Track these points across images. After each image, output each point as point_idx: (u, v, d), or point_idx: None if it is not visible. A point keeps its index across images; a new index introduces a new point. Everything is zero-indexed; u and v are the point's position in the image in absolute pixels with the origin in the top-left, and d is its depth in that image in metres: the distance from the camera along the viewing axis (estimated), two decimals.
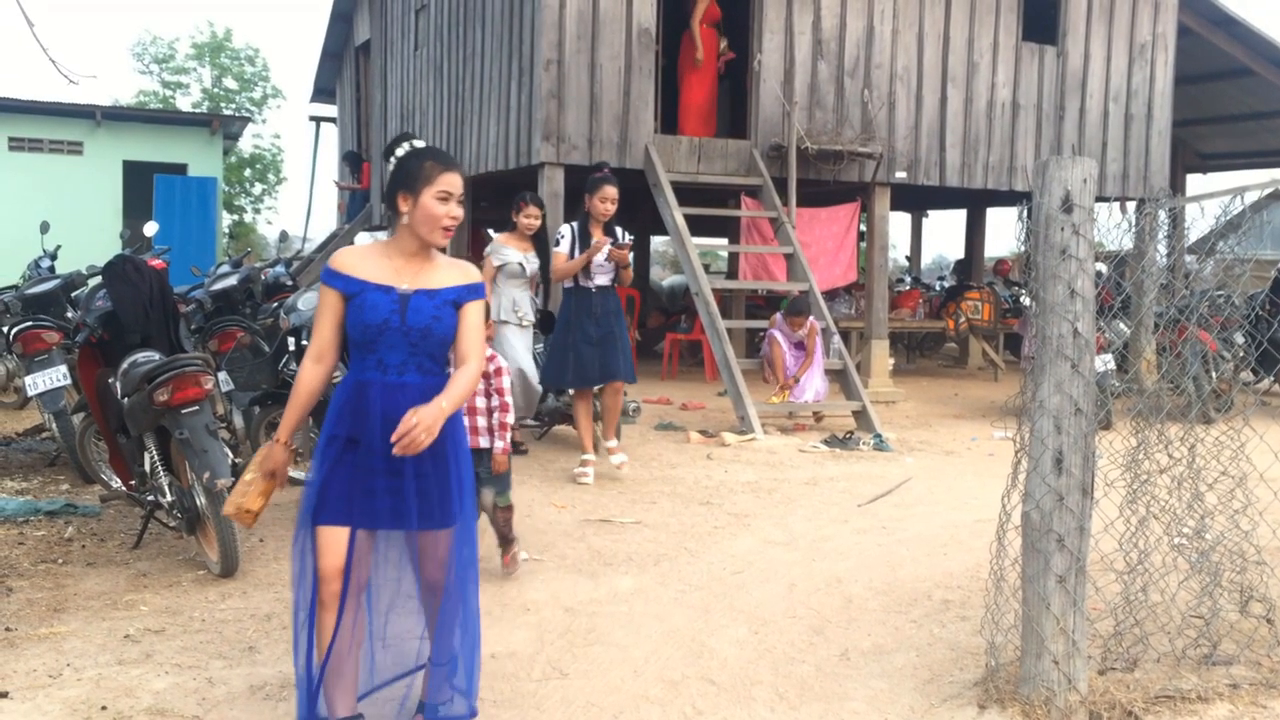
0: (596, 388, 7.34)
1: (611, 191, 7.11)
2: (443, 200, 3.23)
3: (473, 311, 3.35)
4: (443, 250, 3.37)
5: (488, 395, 5.02)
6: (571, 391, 7.45)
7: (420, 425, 3.07)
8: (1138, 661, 3.80)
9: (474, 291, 3.37)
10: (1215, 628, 3.96)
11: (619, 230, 7.25)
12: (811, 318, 9.80)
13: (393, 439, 3.07)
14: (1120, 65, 12.81)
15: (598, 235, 7.10)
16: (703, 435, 8.82)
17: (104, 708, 3.61)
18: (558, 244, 7.20)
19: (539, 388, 7.70)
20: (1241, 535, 4.08)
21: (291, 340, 6.44)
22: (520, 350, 7.63)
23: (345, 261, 3.30)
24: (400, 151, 3.31)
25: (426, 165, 3.23)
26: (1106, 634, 3.91)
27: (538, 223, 7.68)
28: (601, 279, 7.12)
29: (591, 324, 7.09)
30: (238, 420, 7.18)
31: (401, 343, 3.24)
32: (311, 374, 3.32)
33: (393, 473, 3.23)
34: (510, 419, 5.10)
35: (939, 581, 5.14)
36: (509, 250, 7.67)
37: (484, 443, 5.00)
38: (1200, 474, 4.04)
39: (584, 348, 7.06)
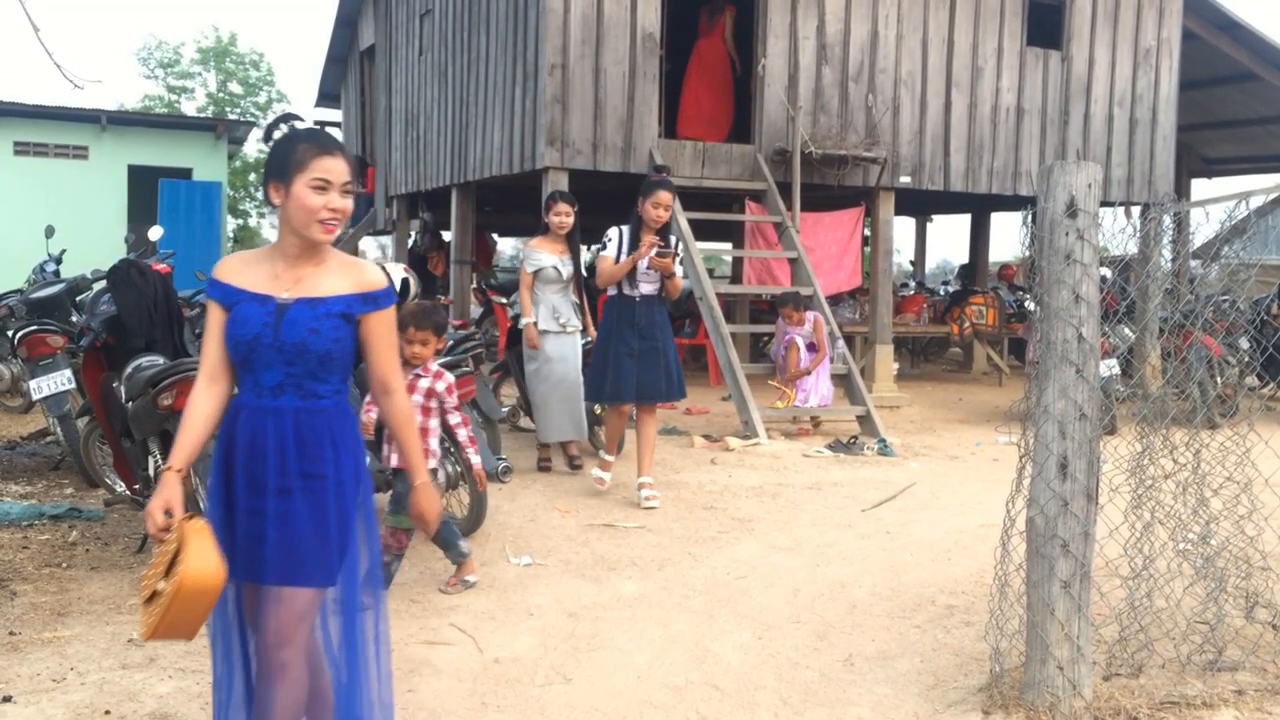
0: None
1: (665, 197, 6.65)
2: (318, 189, 2.77)
3: (379, 325, 2.89)
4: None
5: (426, 413, 4.91)
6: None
7: (432, 520, 3.03)
8: (1142, 667, 3.79)
9: (372, 300, 2.88)
10: (1220, 633, 3.95)
11: (673, 239, 6.77)
12: (813, 311, 9.79)
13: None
14: (1125, 70, 12.80)
15: (650, 242, 6.65)
16: (707, 440, 8.82)
17: (107, 712, 3.61)
18: (604, 247, 6.77)
19: (582, 405, 7.42)
20: (1247, 540, 4.07)
21: None
22: (571, 363, 7.34)
23: (226, 268, 2.90)
24: (278, 134, 2.90)
25: (299, 149, 2.79)
26: (1111, 639, 3.90)
27: (570, 220, 7.39)
28: (646, 287, 6.68)
29: (633, 335, 6.64)
30: None
31: (276, 360, 2.79)
32: (203, 397, 2.85)
33: (253, 512, 2.80)
34: (467, 432, 5.01)
35: (943, 587, 5.13)
36: (542, 254, 7.39)
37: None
38: (1205, 479, 4.03)
39: (624, 360, 6.62)
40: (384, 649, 2.97)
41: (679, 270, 6.69)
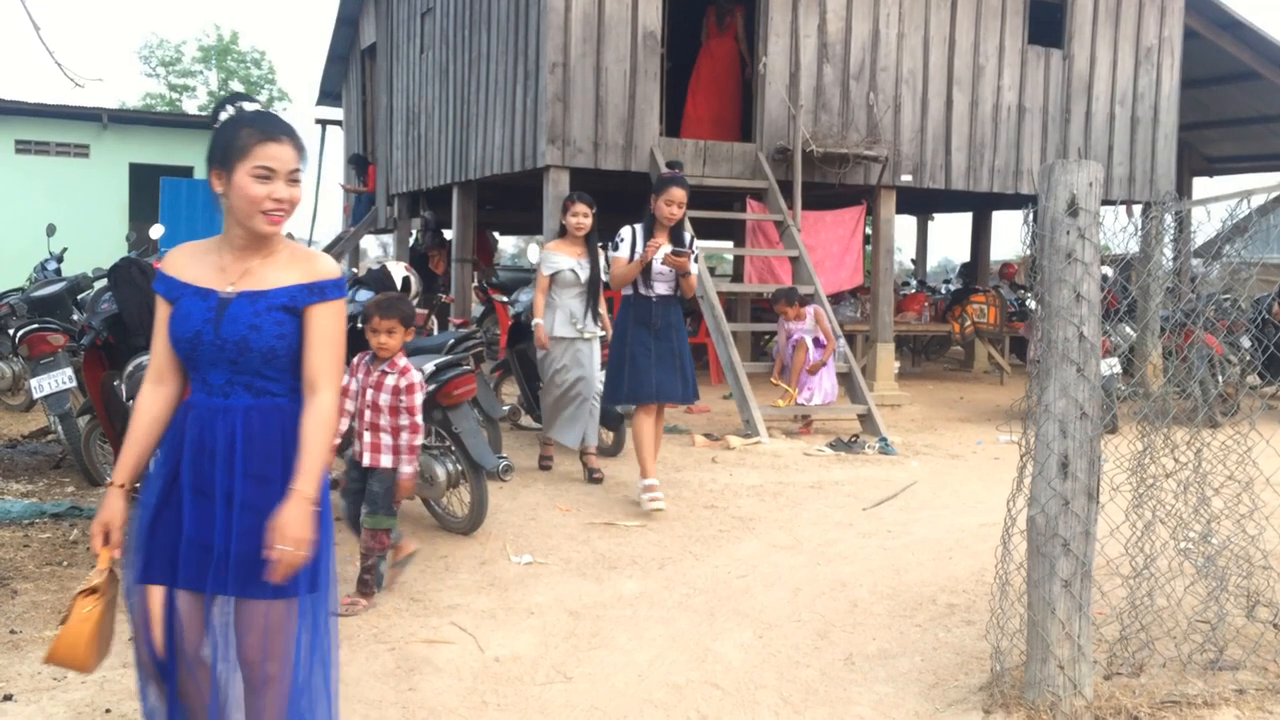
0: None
1: (679, 194, 6.43)
2: (261, 178, 2.58)
3: (321, 317, 2.66)
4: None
5: (395, 412, 4.80)
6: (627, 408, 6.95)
7: (295, 548, 2.51)
8: (1143, 666, 3.79)
9: (318, 291, 2.66)
10: (1221, 633, 3.95)
11: (687, 237, 6.61)
12: (812, 305, 9.79)
13: (274, 577, 2.50)
14: (1126, 69, 12.79)
15: (662, 238, 6.45)
16: (707, 439, 8.82)
17: (108, 710, 3.61)
18: (616, 247, 6.58)
19: (597, 415, 7.28)
20: (1248, 540, 4.07)
21: None
22: (588, 370, 7.14)
23: (171, 261, 2.73)
24: (225, 116, 2.67)
25: (242, 134, 2.59)
26: (1112, 639, 3.90)
27: (589, 222, 7.15)
28: (661, 287, 6.49)
29: (649, 336, 6.46)
30: None
31: (219, 359, 2.62)
32: (149, 399, 2.72)
33: (201, 519, 2.62)
34: (419, 441, 4.85)
35: (944, 586, 5.13)
36: (559, 257, 7.18)
37: (385, 461, 4.82)
38: (1206, 478, 4.03)
39: (641, 360, 6.44)
40: (330, 657, 2.79)
41: (694, 269, 6.52)
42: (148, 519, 2.67)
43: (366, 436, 4.86)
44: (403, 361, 4.89)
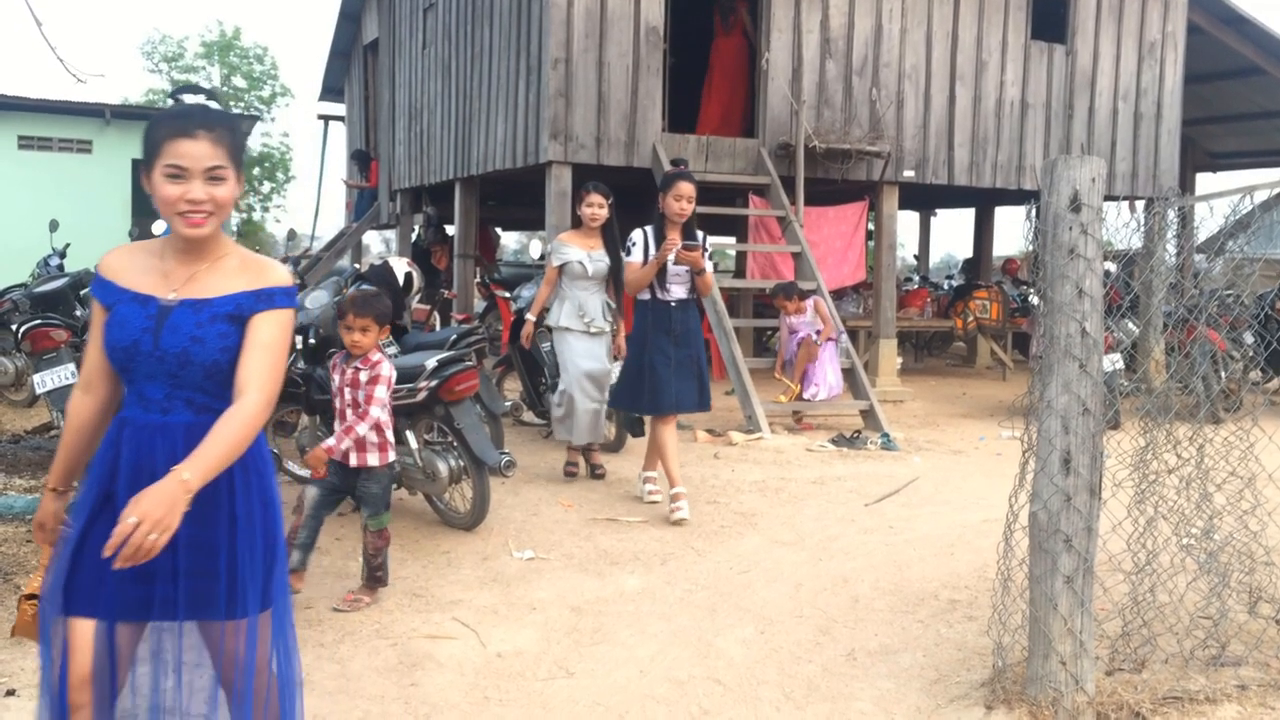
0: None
1: (687, 188, 6.20)
2: (173, 178, 2.38)
3: (264, 323, 2.46)
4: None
5: (365, 403, 4.67)
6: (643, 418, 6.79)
7: (145, 523, 2.16)
8: (1145, 662, 3.79)
9: (266, 298, 2.47)
10: (1223, 628, 3.94)
11: (700, 234, 6.37)
12: (815, 296, 9.78)
13: (106, 550, 2.18)
14: (1129, 64, 12.77)
15: (674, 238, 6.21)
16: (710, 434, 8.82)
17: None
18: (628, 252, 6.37)
19: (604, 408, 7.05)
20: (1250, 536, 4.07)
21: (299, 339, 6.45)
22: (583, 359, 6.90)
23: (109, 263, 2.53)
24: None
25: (157, 130, 2.40)
26: (1114, 635, 3.90)
27: (604, 213, 6.83)
28: (678, 290, 6.27)
29: (669, 343, 6.22)
30: None
31: (158, 371, 2.43)
32: (77, 406, 2.57)
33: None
34: (361, 429, 4.64)
35: (946, 582, 5.13)
36: (569, 248, 6.92)
37: (373, 460, 4.73)
38: (1209, 474, 4.03)
39: (661, 369, 6.22)
40: (293, 658, 2.66)
41: (709, 265, 6.30)
42: (71, 548, 2.47)
43: (337, 425, 4.78)
44: (375, 356, 4.76)
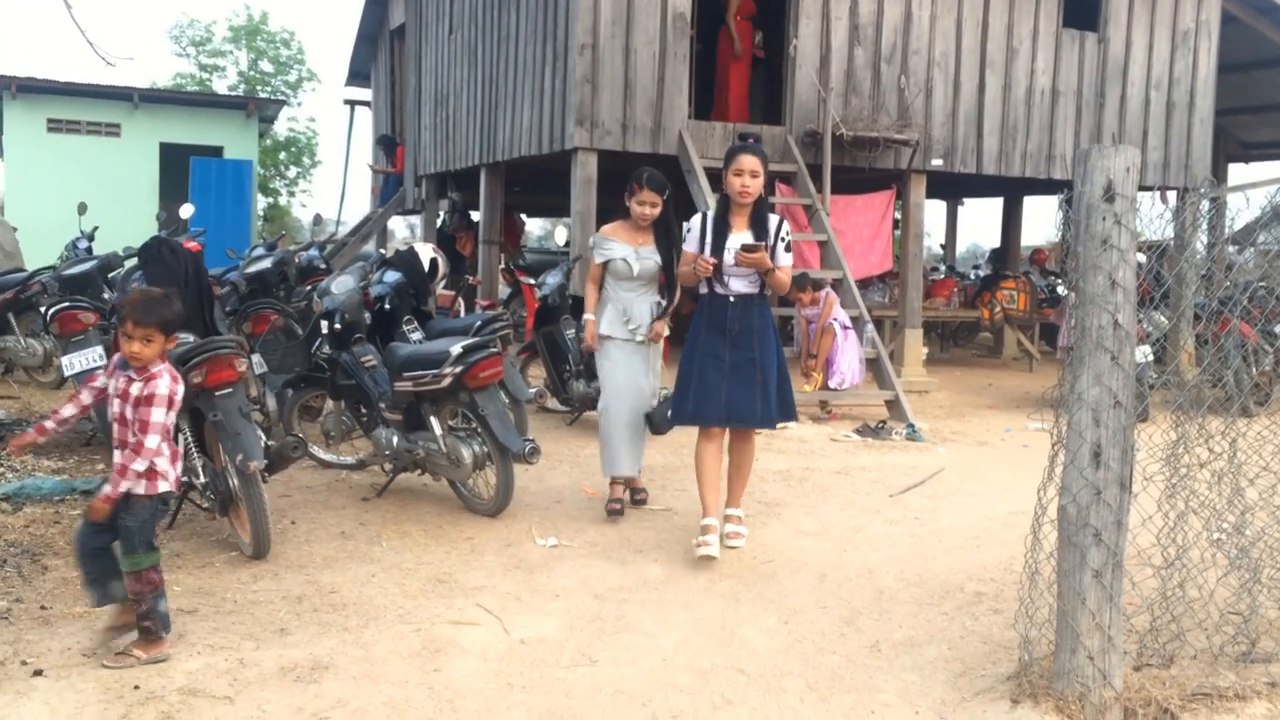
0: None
1: (749, 161, 5.26)
2: None
3: None
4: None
5: (140, 432, 3.82)
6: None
7: None
8: (1174, 658, 3.75)
9: None
10: (1254, 625, 3.90)
11: (773, 220, 5.38)
12: (827, 289, 9.74)
13: None
14: (1162, 52, 12.62)
15: (739, 225, 5.34)
16: None
17: (136, 687, 3.63)
18: (684, 238, 5.55)
19: (645, 432, 6.13)
20: None
21: (325, 324, 6.47)
22: (622, 373, 6.00)
23: None
24: None
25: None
26: (1143, 629, 3.86)
27: (655, 213, 5.92)
28: (739, 284, 5.31)
29: (723, 343, 5.29)
30: (271, 403, 7.22)
31: None
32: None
33: None
34: (137, 466, 3.78)
35: (972, 574, 5.10)
36: (613, 244, 5.98)
37: (137, 489, 3.85)
38: (1241, 468, 3.98)
39: (711, 374, 5.30)
40: None
41: (786, 260, 5.37)
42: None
43: (116, 456, 3.90)
44: (156, 367, 3.89)
